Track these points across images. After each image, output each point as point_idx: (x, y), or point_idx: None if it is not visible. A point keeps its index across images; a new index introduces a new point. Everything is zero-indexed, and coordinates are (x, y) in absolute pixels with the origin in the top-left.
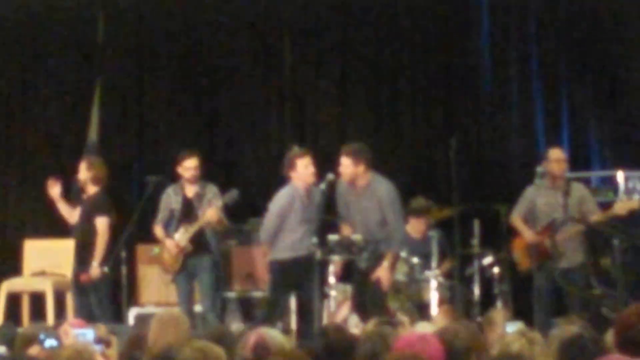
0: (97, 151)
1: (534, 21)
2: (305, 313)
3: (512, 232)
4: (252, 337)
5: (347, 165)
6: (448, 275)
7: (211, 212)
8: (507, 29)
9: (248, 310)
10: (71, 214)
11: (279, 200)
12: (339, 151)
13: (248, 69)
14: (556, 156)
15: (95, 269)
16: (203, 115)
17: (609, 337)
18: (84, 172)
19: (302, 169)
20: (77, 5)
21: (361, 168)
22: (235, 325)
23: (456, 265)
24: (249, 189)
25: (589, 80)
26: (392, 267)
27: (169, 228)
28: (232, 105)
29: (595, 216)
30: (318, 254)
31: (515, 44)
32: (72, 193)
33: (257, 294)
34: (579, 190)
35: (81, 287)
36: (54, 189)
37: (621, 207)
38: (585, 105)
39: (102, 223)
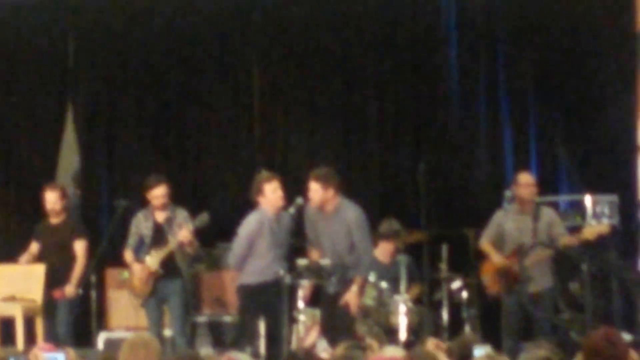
0: (79, 178)
1: (502, 46)
2: (274, 337)
3: (481, 256)
4: None
5: (316, 189)
6: (417, 300)
7: (183, 233)
8: (475, 55)
9: (218, 334)
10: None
11: (248, 225)
12: (308, 175)
13: (217, 93)
14: (525, 181)
15: (71, 289)
16: (172, 139)
17: None
18: (58, 202)
19: (270, 194)
20: (48, 30)
21: (330, 192)
22: (205, 349)
23: (425, 290)
24: (218, 213)
25: (557, 104)
26: (361, 292)
27: (139, 253)
28: (201, 129)
29: (564, 240)
30: (287, 279)
31: (483, 69)
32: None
33: (227, 319)
34: (548, 214)
35: (52, 311)
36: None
37: (590, 231)
38: (553, 130)
39: (82, 247)
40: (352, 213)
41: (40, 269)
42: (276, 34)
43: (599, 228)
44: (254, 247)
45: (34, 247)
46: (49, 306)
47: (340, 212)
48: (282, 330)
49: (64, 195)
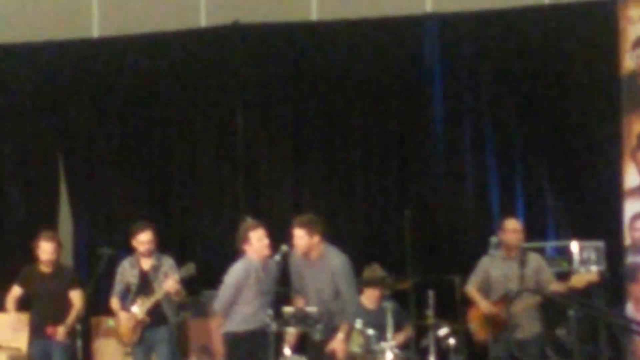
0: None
1: (487, 89)
2: None
3: (468, 303)
4: None
5: (301, 236)
6: (404, 347)
7: (170, 283)
8: (460, 98)
9: None
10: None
11: (234, 273)
12: (293, 222)
13: (202, 141)
14: (512, 227)
15: (63, 330)
16: (156, 187)
17: None
18: (54, 252)
19: (256, 242)
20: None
21: (315, 239)
22: None
23: (412, 336)
24: (204, 261)
25: (543, 149)
26: (347, 339)
27: (125, 301)
28: (185, 176)
29: (552, 287)
30: (273, 326)
31: (469, 114)
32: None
33: None
34: (535, 260)
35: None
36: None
37: (579, 280)
38: (539, 176)
39: (80, 296)
40: (337, 260)
41: (24, 318)
42: (260, 79)
43: (588, 276)
44: (240, 294)
45: (17, 291)
46: (36, 354)
47: (325, 259)
48: None
49: (59, 245)
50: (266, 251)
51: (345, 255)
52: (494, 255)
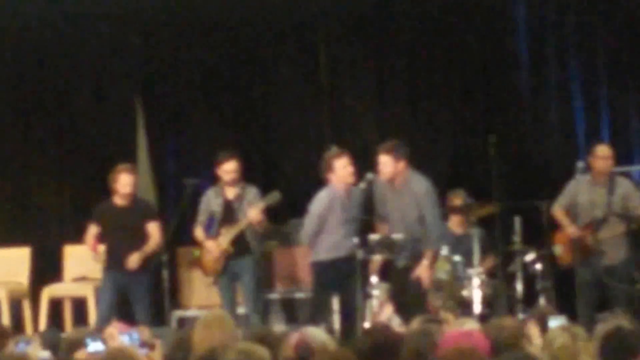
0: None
1: (572, 16)
2: (349, 313)
3: (554, 227)
4: (294, 337)
5: (386, 162)
6: (490, 273)
7: (253, 212)
8: (544, 24)
9: (291, 311)
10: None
11: (319, 202)
12: (377, 150)
13: (285, 69)
14: (603, 153)
15: (137, 259)
16: (240, 117)
17: None
18: (133, 185)
19: (340, 170)
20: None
21: (401, 165)
22: (279, 326)
23: (498, 263)
24: (289, 190)
25: (629, 73)
26: (432, 265)
27: (209, 230)
28: (269, 106)
29: None
30: (359, 254)
31: (554, 38)
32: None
33: (300, 295)
34: (623, 186)
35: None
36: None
37: None
38: (625, 99)
39: (157, 228)
40: (421, 185)
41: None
42: (342, 10)
43: None
44: (326, 223)
45: (94, 229)
46: (109, 287)
47: (409, 185)
48: (356, 305)
49: (137, 178)
50: (350, 179)
51: (429, 180)
52: (581, 180)
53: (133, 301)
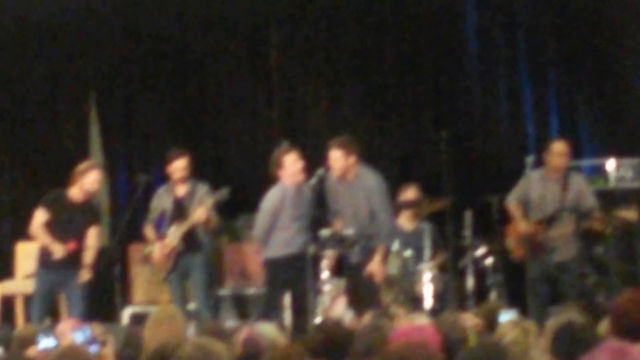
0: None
1: (522, 15)
2: (300, 309)
3: (505, 221)
4: (243, 332)
5: (337, 157)
6: (441, 268)
7: (199, 212)
8: (494, 22)
9: (242, 307)
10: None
11: (270, 199)
12: (328, 144)
13: (235, 64)
14: (559, 149)
15: (85, 275)
16: (191, 113)
17: (605, 325)
18: (98, 184)
19: (290, 166)
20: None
21: (351, 160)
22: (230, 322)
23: (449, 258)
24: (240, 186)
25: (577, 68)
26: (383, 261)
27: (160, 228)
28: (220, 102)
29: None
30: (311, 250)
31: (502, 30)
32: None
33: (250, 291)
34: (577, 183)
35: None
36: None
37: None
38: (574, 94)
39: (97, 233)
40: (372, 180)
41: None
42: (294, 8)
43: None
44: (277, 220)
45: (43, 215)
46: (42, 285)
47: (361, 180)
48: (308, 301)
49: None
50: (300, 175)
51: (380, 175)
52: (533, 176)
53: (69, 296)
